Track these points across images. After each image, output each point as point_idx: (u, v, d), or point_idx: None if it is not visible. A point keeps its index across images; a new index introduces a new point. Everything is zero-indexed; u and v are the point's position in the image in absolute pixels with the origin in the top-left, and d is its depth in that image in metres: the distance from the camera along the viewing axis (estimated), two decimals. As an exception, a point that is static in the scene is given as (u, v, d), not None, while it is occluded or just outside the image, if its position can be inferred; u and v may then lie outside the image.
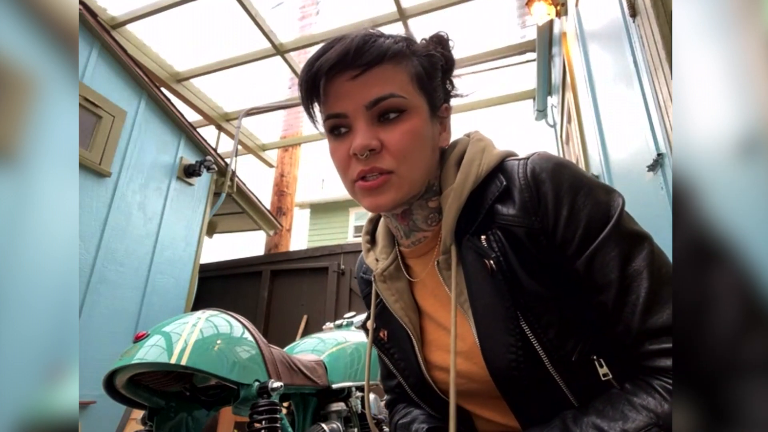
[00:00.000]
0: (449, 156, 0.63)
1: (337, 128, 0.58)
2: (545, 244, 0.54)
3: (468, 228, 0.58)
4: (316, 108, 0.61)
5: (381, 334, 0.69)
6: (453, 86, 0.66)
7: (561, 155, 4.24)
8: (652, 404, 0.47)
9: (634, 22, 1.56)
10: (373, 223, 0.75)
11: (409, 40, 0.61)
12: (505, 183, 0.58)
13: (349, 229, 9.64)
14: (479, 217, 0.58)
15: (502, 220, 0.56)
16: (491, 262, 0.55)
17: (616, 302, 0.51)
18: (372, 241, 0.73)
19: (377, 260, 0.68)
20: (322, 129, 0.61)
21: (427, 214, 0.62)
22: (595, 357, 0.53)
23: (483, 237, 0.56)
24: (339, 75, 0.56)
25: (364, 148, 0.54)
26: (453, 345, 0.57)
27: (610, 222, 0.52)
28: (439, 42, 0.64)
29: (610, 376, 0.52)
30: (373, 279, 0.68)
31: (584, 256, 0.53)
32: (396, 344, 0.67)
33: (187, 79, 4.26)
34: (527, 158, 0.59)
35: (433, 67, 0.61)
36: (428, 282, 0.65)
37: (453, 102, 0.67)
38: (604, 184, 0.57)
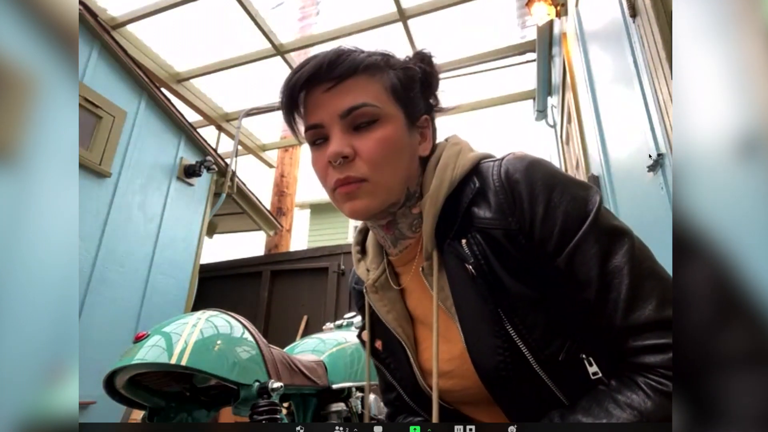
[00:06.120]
0: (429, 162, 0.64)
1: (316, 139, 0.60)
2: (524, 244, 0.54)
3: (448, 232, 0.59)
4: (299, 122, 0.62)
5: (376, 345, 0.69)
6: (437, 100, 0.67)
7: (561, 156, 4.19)
8: (636, 402, 0.47)
9: (634, 22, 1.56)
10: (363, 234, 0.75)
11: (386, 55, 0.62)
12: (478, 185, 0.58)
13: (349, 229, 9.63)
14: (457, 221, 0.58)
15: (479, 223, 0.56)
16: (470, 267, 0.55)
17: (597, 299, 0.51)
18: (362, 251, 0.73)
19: (368, 270, 0.68)
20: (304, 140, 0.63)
21: (411, 221, 0.63)
22: (584, 356, 0.53)
23: (464, 240, 0.57)
24: (315, 88, 0.58)
25: (337, 155, 0.56)
26: (435, 348, 0.57)
27: (588, 218, 0.52)
28: (421, 59, 0.65)
29: (600, 374, 0.53)
30: (365, 290, 0.68)
31: (564, 253, 0.53)
32: (391, 354, 0.68)
33: (187, 79, 4.25)
34: (502, 159, 0.59)
35: (409, 80, 0.62)
36: (416, 289, 0.65)
37: (454, 103, 0.68)
38: (580, 180, 0.57)
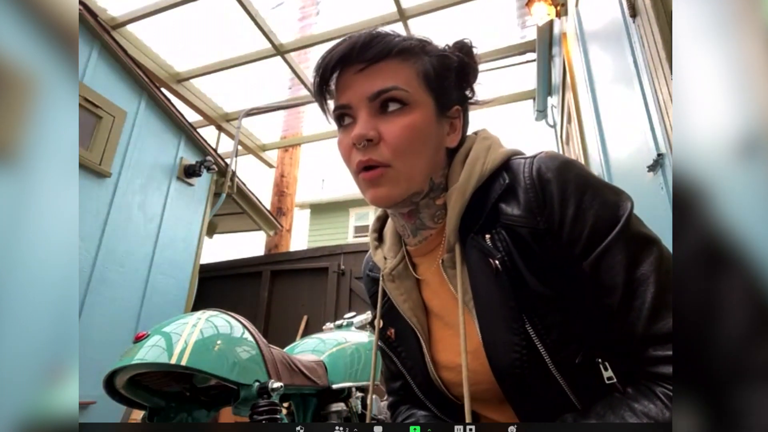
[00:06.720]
0: (457, 154, 0.63)
1: (344, 119, 0.60)
2: (551, 245, 0.53)
3: (472, 226, 0.58)
4: (329, 102, 0.63)
5: (389, 333, 0.69)
6: (473, 92, 0.66)
7: (561, 155, 4.20)
8: (654, 411, 0.46)
9: (634, 22, 1.56)
10: (381, 221, 0.74)
11: (423, 41, 0.62)
12: (508, 181, 0.57)
13: (349, 229, 9.63)
14: (483, 215, 0.57)
15: (506, 219, 0.56)
16: (496, 262, 0.54)
17: (621, 306, 0.51)
18: (379, 238, 0.73)
19: (385, 258, 0.68)
20: (333, 122, 0.63)
21: (434, 211, 0.62)
22: (599, 360, 0.52)
23: (488, 236, 0.56)
24: (346, 69, 0.58)
25: (361, 138, 0.56)
26: (463, 344, 0.56)
27: (618, 224, 0.52)
28: (460, 48, 0.65)
29: (615, 379, 0.52)
30: (381, 278, 0.67)
31: (591, 256, 0.52)
32: (403, 343, 0.67)
33: (187, 79, 4.25)
34: (534, 157, 0.58)
35: (444, 68, 0.61)
36: (433, 281, 0.64)
37: (489, 96, 0.67)
38: (612, 185, 0.56)
